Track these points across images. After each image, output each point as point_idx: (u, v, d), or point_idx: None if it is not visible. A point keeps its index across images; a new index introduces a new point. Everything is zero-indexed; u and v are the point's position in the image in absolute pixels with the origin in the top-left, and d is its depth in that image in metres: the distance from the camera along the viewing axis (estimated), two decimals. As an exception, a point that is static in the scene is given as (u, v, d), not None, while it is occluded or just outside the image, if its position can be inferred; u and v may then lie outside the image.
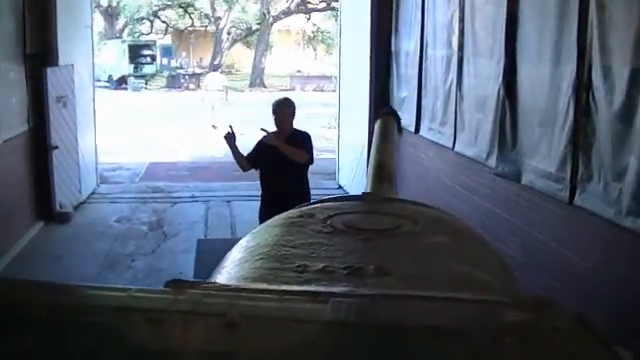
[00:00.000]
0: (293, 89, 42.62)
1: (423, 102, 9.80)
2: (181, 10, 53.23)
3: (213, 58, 50.10)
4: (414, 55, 10.14)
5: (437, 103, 9.15)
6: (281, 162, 6.98)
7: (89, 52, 13.30)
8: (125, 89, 42.05)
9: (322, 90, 39.45)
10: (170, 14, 55.66)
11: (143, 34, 53.82)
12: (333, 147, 17.75)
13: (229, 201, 12.66)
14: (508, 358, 1.49)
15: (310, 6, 43.02)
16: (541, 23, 6.27)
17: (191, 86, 42.19)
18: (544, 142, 6.17)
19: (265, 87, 44.22)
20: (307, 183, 7.45)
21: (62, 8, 11.39)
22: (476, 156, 7.80)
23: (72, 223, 11.44)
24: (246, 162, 7.40)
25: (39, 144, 11.10)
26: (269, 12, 44.90)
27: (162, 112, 28.64)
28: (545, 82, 6.13)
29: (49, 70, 11.09)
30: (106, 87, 43.61)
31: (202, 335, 1.54)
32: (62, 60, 11.52)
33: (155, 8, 52.43)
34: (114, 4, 47.67)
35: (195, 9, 51.82)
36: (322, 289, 1.99)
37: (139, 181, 14.94)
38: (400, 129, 5.92)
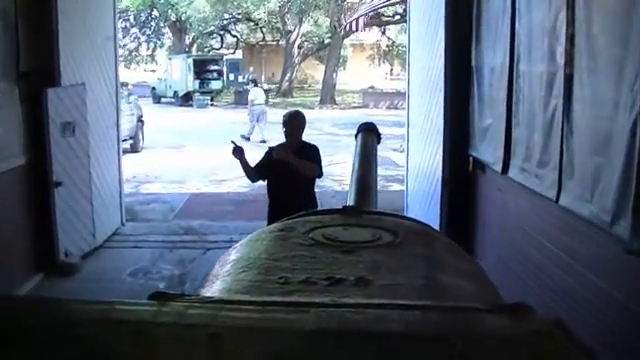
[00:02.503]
0: (366, 106, 40.50)
1: (514, 134, 7.40)
2: (252, 24, 51.78)
3: (283, 73, 48.36)
4: (501, 72, 7.76)
5: (534, 136, 6.76)
6: (290, 175, 7.08)
7: (111, 68, 11.26)
8: (190, 106, 40.50)
9: (396, 107, 37.13)
10: (241, 28, 54.42)
11: (214, 49, 52.58)
12: (402, 176, 15.51)
13: (271, 247, 10.44)
14: None
15: (384, 18, 40.62)
16: None
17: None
18: None
19: (336, 104, 42.04)
20: (315, 195, 7.53)
21: (68, 15, 9.40)
22: (594, 218, 5.37)
23: (78, 276, 9.41)
24: (254, 173, 7.50)
25: (38, 180, 9.12)
26: (340, 25, 42.73)
27: (224, 130, 26.56)
28: None
29: (50, 91, 9.10)
30: (171, 104, 42.43)
31: (186, 346, 1.53)
32: (68, 79, 9.56)
33: (225, 22, 51.08)
34: (182, 18, 46.19)
35: (266, 22, 50.19)
36: (304, 299, 2.05)
37: (173, 218, 12.80)
38: (379, 141, 6.16)
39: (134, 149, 22.28)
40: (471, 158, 9.10)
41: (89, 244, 10.29)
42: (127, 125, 21.32)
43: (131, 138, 22.03)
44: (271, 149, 7.44)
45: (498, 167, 7.80)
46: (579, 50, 5.71)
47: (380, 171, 17.66)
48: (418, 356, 1.50)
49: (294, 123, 7.47)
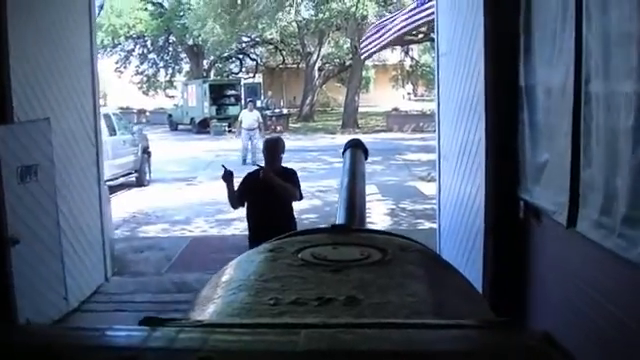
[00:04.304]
0: (390, 129, 38.81)
1: (583, 175, 5.56)
2: (271, 47, 50.51)
3: (304, 97, 46.90)
4: (562, 93, 5.94)
5: (616, 181, 4.93)
6: (268, 198, 7.19)
7: (87, 99, 9.57)
8: (208, 133, 38.95)
9: (422, 130, 35.45)
10: (260, 51, 53.26)
11: (233, 73, 51.35)
12: (432, 210, 13.76)
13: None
14: None
15: (407, 38, 38.94)
16: None
17: (279, 128, 38.71)
18: None
19: (359, 128, 40.29)
20: (293, 217, 7.65)
21: (25, 35, 7.74)
22: None
23: (41, 352, 7.67)
24: (237, 199, 7.60)
25: (-11, 238, 7.45)
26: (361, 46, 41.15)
27: (241, 160, 24.83)
28: None
29: (3, 129, 7.45)
30: (188, 131, 41.11)
31: None
32: (26, 113, 7.89)
33: (243, 45, 49.83)
34: (199, 42, 44.79)
35: (286, 45, 48.88)
36: (294, 321, 2.03)
37: (168, 270, 11.05)
38: (367, 157, 6.11)
39: (139, 183, 20.71)
40: (522, 202, 7.25)
41: (59, 310, 8.56)
42: (131, 158, 20.01)
43: (136, 171, 20.50)
44: (257, 169, 7.54)
45: (561, 218, 5.96)
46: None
47: (406, 204, 16.06)
48: None
49: (276, 149, 7.65)
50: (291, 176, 7.59)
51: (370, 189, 18.81)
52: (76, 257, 9.09)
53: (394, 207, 16.05)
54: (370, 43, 18.24)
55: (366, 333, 1.74)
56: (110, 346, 1.66)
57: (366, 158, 6.10)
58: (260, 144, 25.58)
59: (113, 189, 18.42)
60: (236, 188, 7.59)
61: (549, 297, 6.60)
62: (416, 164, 23.33)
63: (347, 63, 46.27)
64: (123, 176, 19.67)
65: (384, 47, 19.92)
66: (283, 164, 7.86)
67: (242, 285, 2.77)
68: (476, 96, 7.85)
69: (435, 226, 10.93)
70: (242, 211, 14.80)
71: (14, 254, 7.62)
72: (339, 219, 4.35)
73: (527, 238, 7.21)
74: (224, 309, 2.56)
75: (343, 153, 6.00)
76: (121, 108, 49.12)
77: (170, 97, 51.70)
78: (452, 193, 9.20)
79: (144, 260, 11.63)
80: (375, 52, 18.47)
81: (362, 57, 19.72)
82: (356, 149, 5.92)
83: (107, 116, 19.52)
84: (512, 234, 7.40)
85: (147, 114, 50.14)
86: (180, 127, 42.83)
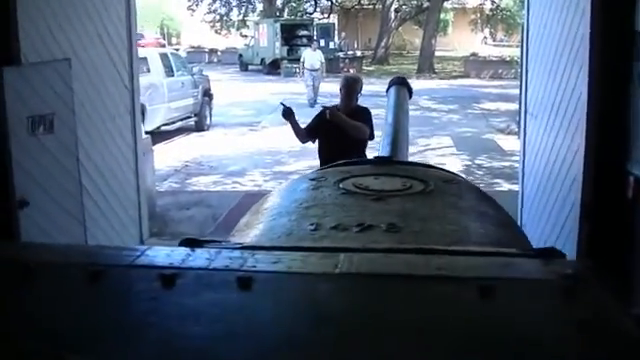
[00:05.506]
0: (467, 75, 37.15)
1: None
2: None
3: (379, 39, 45.42)
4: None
5: None
6: (341, 136, 7.05)
7: (120, 37, 8.36)
8: (278, 74, 37.86)
9: (500, 77, 33.75)
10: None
11: (307, 13, 50.05)
12: (511, 169, 12.40)
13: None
14: (518, 304, 1.48)
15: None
16: None
17: (351, 70, 37.24)
18: None
19: (435, 73, 38.58)
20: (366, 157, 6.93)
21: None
22: None
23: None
24: (305, 134, 7.52)
25: (-4, 199, 6.41)
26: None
27: (306, 105, 23.58)
28: None
29: (9, 72, 6.29)
30: (259, 71, 40.16)
31: (215, 290, 1.53)
32: (40, 53, 6.76)
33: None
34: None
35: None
36: (335, 245, 2.08)
37: (213, 232, 9.87)
38: (411, 96, 6.34)
39: (199, 128, 19.60)
40: (631, 178, 5.81)
41: (80, 279, 7.52)
42: (189, 100, 19.05)
43: (195, 115, 19.45)
44: (324, 109, 7.42)
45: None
46: None
47: (483, 161, 14.57)
48: (449, 296, 1.49)
49: (353, 87, 7.50)
50: (364, 114, 7.34)
51: (445, 141, 17.52)
52: (103, 219, 8.02)
53: (470, 163, 14.61)
54: None
55: (407, 258, 1.76)
56: (150, 265, 1.61)
57: (410, 97, 6.30)
58: (322, 85, 25.08)
59: (169, 134, 17.54)
60: (304, 125, 7.54)
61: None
62: (494, 114, 21.76)
63: (424, 5, 44.52)
64: (181, 120, 18.63)
65: None
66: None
67: (283, 211, 2.81)
68: (577, 42, 6.46)
69: (516, 189, 9.63)
70: (302, 164, 14.08)
71: (22, 218, 6.56)
72: (382, 152, 4.40)
73: (635, 223, 5.79)
74: (264, 233, 2.58)
75: (387, 90, 6.17)
76: (192, 47, 48.56)
77: (244, 37, 50.71)
78: (541, 156, 7.84)
79: (188, 219, 10.53)
80: None
81: None
82: (401, 87, 6.09)
83: (164, 56, 18.59)
84: (616, 216, 6.00)
85: (219, 54, 49.52)
86: (250, 67, 41.93)
